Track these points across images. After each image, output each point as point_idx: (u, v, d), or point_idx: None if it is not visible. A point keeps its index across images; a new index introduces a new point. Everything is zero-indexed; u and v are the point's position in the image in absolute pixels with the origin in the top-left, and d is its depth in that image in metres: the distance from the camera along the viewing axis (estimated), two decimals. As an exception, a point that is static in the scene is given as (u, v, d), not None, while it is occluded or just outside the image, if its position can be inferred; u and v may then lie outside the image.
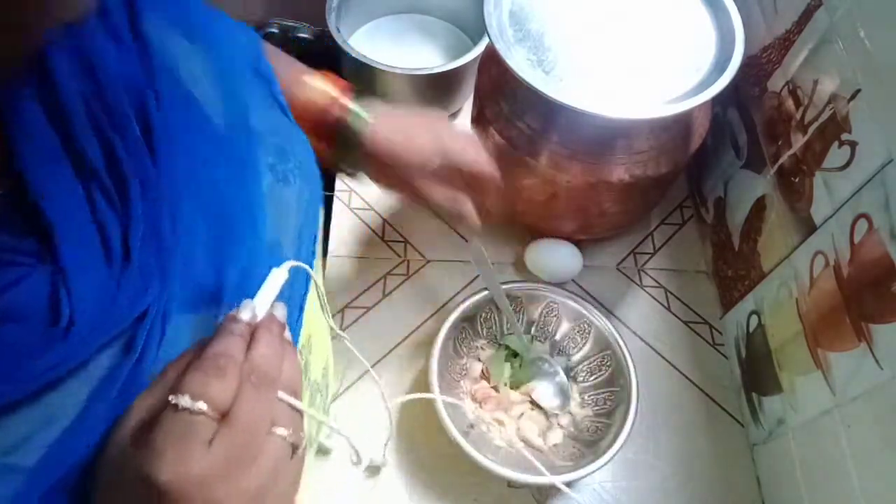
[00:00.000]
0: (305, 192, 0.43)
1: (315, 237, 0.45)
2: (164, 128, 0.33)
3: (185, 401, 0.27)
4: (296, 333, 0.42)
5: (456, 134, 0.56)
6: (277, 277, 0.35)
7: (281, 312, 0.34)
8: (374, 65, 0.76)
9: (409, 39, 0.88)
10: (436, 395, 0.60)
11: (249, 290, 0.35)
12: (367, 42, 0.87)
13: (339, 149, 0.55)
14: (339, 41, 0.77)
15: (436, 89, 0.81)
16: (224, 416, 0.28)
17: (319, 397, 0.53)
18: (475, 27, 0.85)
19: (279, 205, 0.41)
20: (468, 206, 0.57)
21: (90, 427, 0.29)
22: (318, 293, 0.53)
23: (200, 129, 0.36)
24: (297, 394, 0.32)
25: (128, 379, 0.30)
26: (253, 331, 0.31)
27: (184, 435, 0.27)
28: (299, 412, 0.32)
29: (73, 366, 0.29)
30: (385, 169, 0.55)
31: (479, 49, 0.76)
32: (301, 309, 0.43)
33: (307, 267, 0.38)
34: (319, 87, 0.54)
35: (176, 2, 0.39)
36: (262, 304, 0.33)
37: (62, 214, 0.29)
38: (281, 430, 0.30)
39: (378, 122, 0.54)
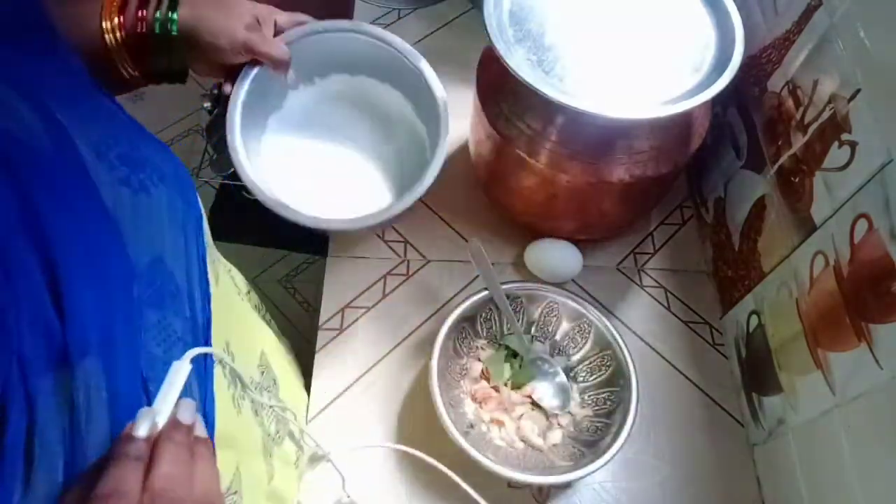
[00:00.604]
0: (177, 200, 0.40)
1: (203, 248, 0.42)
2: None
3: None
4: (210, 416, 0.38)
5: (257, 16, 0.58)
6: (178, 373, 0.31)
7: (187, 412, 0.30)
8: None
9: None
10: (436, 395, 0.60)
11: (136, 322, 0.32)
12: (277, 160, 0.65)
13: (157, 55, 0.55)
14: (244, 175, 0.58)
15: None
16: None
17: (266, 394, 0.52)
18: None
19: (142, 218, 0.37)
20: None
21: None
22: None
23: (19, 163, 0.31)
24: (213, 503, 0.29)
25: None
26: (154, 443, 0.28)
27: None
28: None
29: None
30: (200, 59, 0.57)
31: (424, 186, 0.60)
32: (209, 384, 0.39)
33: (212, 350, 0.35)
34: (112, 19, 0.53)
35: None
36: (164, 408, 0.30)
37: None
38: None
39: (183, 12, 0.55)
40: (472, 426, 0.63)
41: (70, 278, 0.30)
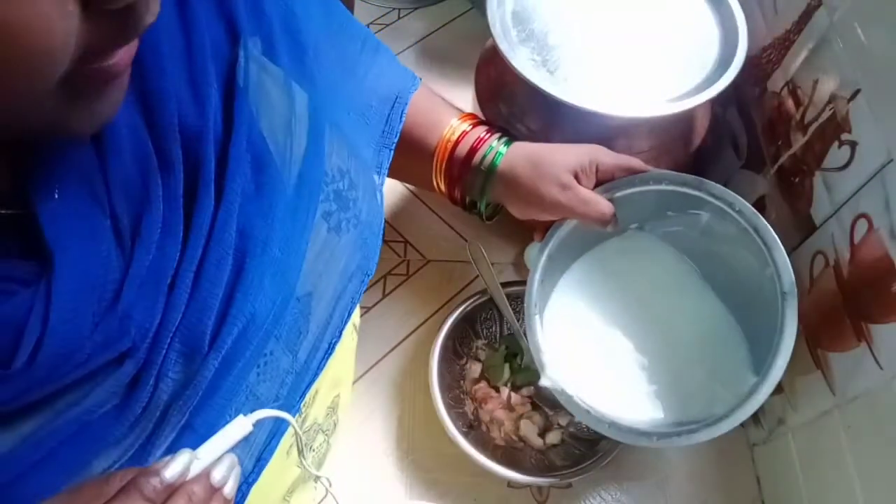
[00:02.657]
0: (357, 251, 0.41)
1: (355, 304, 0.42)
2: (210, 182, 0.31)
3: None
4: (248, 484, 0.37)
5: (582, 152, 0.56)
6: (236, 428, 0.31)
7: (222, 471, 0.29)
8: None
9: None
10: (436, 395, 0.60)
11: (249, 345, 0.32)
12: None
13: (474, 182, 0.56)
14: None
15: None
16: None
17: (322, 436, 0.51)
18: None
19: (324, 256, 0.38)
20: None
21: (20, 461, 0.27)
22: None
23: (263, 185, 0.33)
24: None
25: (97, 424, 0.28)
26: (174, 489, 0.28)
27: None
28: None
29: (20, 405, 0.27)
30: (514, 202, 0.57)
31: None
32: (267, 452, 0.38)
33: (288, 417, 0.34)
34: (460, 124, 0.56)
35: (296, 46, 0.36)
36: (204, 457, 0.29)
37: (63, 240, 0.27)
38: None
39: (511, 152, 0.55)
40: (472, 426, 0.63)
41: (242, 296, 0.32)
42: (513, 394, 0.67)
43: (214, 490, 0.29)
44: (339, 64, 0.43)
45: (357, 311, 0.56)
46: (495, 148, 0.55)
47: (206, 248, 0.31)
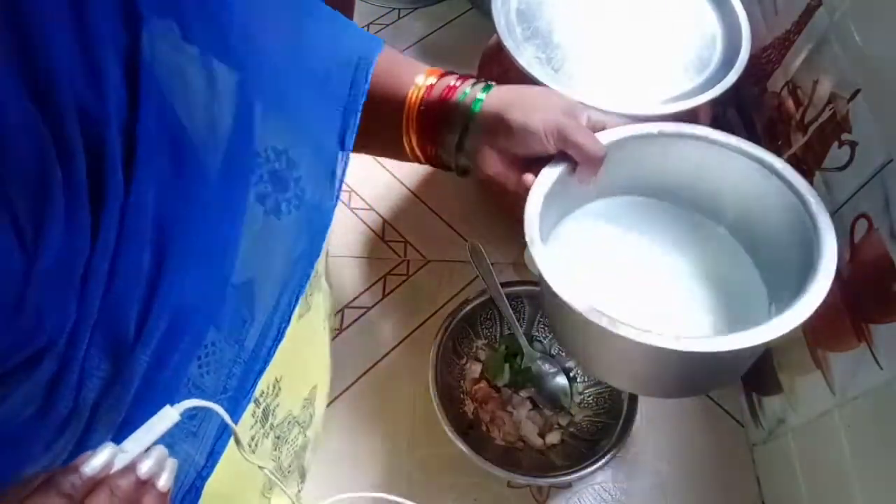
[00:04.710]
0: (301, 234, 0.39)
1: (302, 288, 0.40)
2: (118, 167, 0.28)
3: None
4: (202, 478, 0.36)
5: (570, 108, 0.50)
6: (163, 419, 0.29)
7: (150, 465, 0.28)
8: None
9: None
10: (436, 397, 0.60)
11: (183, 335, 0.31)
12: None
13: (449, 133, 0.51)
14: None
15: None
16: None
17: (297, 429, 0.49)
18: (792, 273, 0.47)
19: (263, 240, 0.36)
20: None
21: None
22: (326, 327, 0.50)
23: (182, 167, 0.32)
24: None
25: (22, 431, 0.27)
26: (94, 486, 0.26)
27: None
28: None
29: None
30: (496, 146, 0.50)
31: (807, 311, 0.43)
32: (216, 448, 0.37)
33: (216, 408, 0.32)
34: (428, 78, 0.51)
35: (218, 24, 0.34)
36: (132, 449, 0.28)
37: None
38: None
39: (492, 94, 0.50)
40: (472, 426, 0.63)
41: (167, 285, 0.30)
42: (513, 394, 0.67)
43: (142, 483, 0.28)
44: (282, 38, 0.40)
45: (330, 304, 0.55)
46: (471, 93, 0.50)
47: (120, 238, 0.29)
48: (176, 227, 0.31)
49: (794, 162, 0.61)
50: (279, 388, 0.43)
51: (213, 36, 0.33)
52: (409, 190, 0.82)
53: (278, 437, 0.46)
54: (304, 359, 0.49)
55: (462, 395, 0.66)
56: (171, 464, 0.29)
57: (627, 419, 0.60)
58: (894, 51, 0.49)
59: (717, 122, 0.73)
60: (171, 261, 0.30)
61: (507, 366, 0.68)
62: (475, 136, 0.50)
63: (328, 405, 0.67)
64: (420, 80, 0.51)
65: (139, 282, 0.30)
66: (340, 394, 0.68)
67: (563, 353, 0.69)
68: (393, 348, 0.71)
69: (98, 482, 0.26)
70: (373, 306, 0.74)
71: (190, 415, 0.33)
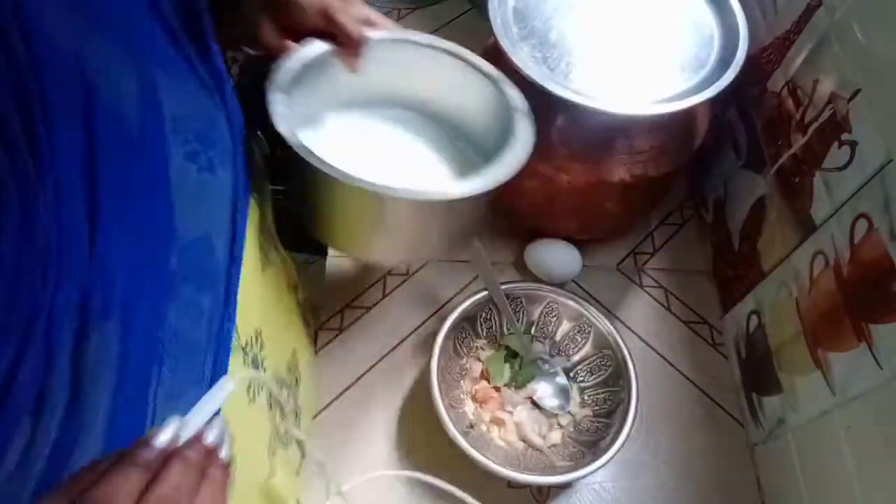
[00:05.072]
0: (237, 184, 0.41)
1: (244, 231, 0.42)
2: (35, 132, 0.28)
3: None
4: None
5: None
6: (221, 390, 0.31)
7: (214, 433, 0.29)
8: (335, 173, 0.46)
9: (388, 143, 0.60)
10: (436, 395, 0.60)
11: (164, 295, 0.32)
12: (324, 137, 0.57)
13: (230, 15, 0.50)
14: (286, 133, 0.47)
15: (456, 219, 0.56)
16: None
17: (286, 391, 0.52)
18: (487, 139, 0.58)
19: (205, 195, 0.38)
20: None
21: None
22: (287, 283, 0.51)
23: (91, 123, 0.31)
24: None
25: None
26: (168, 456, 0.27)
27: None
28: None
29: None
30: (272, 17, 0.51)
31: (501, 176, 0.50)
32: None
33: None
34: None
35: None
36: (194, 422, 0.29)
37: None
38: None
39: None
40: (472, 426, 0.63)
41: (107, 238, 0.30)
42: (513, 394, 0.67)
43: (209, 452, 0.29)
44: None
45: (291, 276, 0.58)
46: None
47: (56, 194, 0.28)
48: (105, 188, 0.30)
49: (795, 162, 0.61)
50: (262, 342, 0.45)
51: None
52: (409, 190, 0.82)
53: (270, 395, 0.48)
54: (276, 318, 0.50)
55: (462, 395, 0.66)
56: (230, 435, 0.30)
57: (627, 419, 0.60)
58: (894, 51, 0.49)
59: (717, 122, 0.73)
60: (103, 214, 0.30)
61: (507, 366, 0.68)
62: (251, 14, 0.51)
63: (328, 405, 0.67)
64: None
65: (81, 248, 0.29)
66: (341, 394, 0.68)
67: (561, 354, 0.69)
68: (393, 348, 0.71)
69: (170, 454, 0.27)
70: (373, 306, 0.74)
71: (188, 364, 0.35)
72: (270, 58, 0.52)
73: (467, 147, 0.61)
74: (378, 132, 0.60)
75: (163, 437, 0.28)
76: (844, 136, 0.54)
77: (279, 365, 0.50)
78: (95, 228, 0.30)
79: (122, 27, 0.34)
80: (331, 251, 0.77)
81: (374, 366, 0.70)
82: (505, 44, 0.58)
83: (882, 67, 0.50)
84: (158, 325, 0.34)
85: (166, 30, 0.38)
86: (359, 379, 0.69)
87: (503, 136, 0.54)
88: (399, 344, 0.71)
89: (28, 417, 0.28)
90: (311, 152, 0.45)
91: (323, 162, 0.45)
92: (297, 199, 0.55)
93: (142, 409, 0.33)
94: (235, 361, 0.41)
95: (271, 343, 0.47)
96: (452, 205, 0.48)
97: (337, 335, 0.71)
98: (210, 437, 0.29)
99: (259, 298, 0.42)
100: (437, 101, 0.61)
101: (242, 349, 0.42)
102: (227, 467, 0.30)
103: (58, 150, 0.29)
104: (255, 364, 0.45)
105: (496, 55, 0.58)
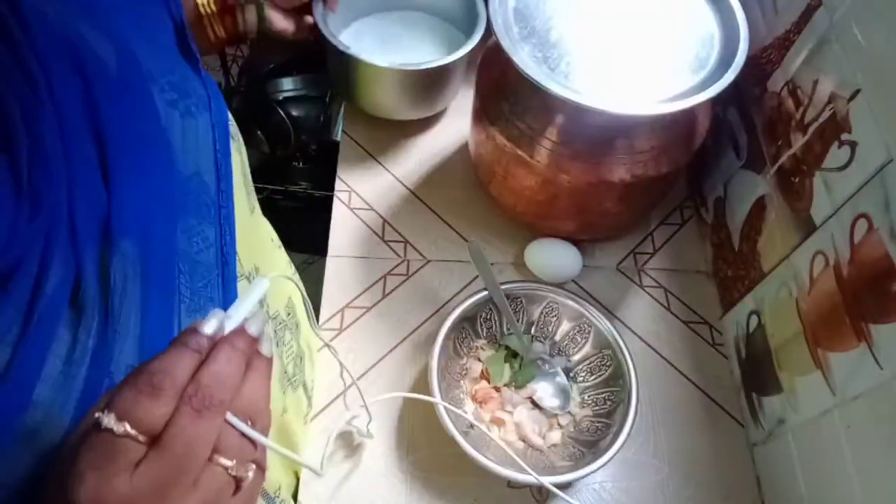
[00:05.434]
0: (216, 128, 0.44)
1: (229, 170, 0.45)
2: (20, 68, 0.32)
3: (108, 420, 0.25)
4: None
5: None
6: (257, 287, 0.33)
7: (256, 325, 0.31)
8: (361, 58, 0.73)
9: (399, 36, 0.85)
10: (436, 397, 0.60)
11: (159, 215, 0.36)
12: (355, 38, 0.84)
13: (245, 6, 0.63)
14: (327, 34, 0.74)
15: (427, 85, 0.79)
16: (155, 440, 0.26)
17: (289, 333, 0.55)
18: (467, 23, 0.82)
19: (190, 137, 0.41)
20: None
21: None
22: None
23: (84, 69, 0.36)
24: (255, 419, 0.30)
25: (14, 317, 0.29)
26: (216, 343, 0.29)
27: (106, 457, 0.25)
28: (253, 441, 0.30)
29: None
30: (274, 4, 0.64)
31: (470, 45, 0.75)
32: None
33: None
34: None
35: None
36: (235, 315, 0.31)
37: None
38: (223, 461, 0.28)
39: None
40: (472, 426, 0.63)
41: (117, 167, 0.34)
42: (513, 394, 0.67)
43: (253, 342, 0.31)
44: None
45: (275, 234, 0.61)
46: None
47: (60, 122, 0.33)
48: (106, 122, 0.35)
49: (795, 162, 0.61)
50: (261, 275, 0.48)
51: None
52: (409, 190, 0.82)
53: (275, 333, 0.50)
54: (269, 260, 0.54)
55: (462, 395, 0.66)
56: (269, 332, 0.33)
57: (627, 419, 0.60)
58: (894, 51, 0.49)
59: (717, 122, 0.73)
60: (114, 150, 0.34)
61: (506, 366, 0.68)
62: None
63: (328, 404, 0.67)
64: None
65: (93, 172, 0.33)
66: (341, 393, 0.68)
67: (561, 354, 0.69)
68: (393, 348, 0.71)
69: (217, 341, 0.29)
70: (373, 306, 0.74)
71: (202, 284, 0.38)
72: (273, 52, 0.57)
73: (453, 29, 0.85)
74: (388, 28, 0.85)
75: (209, 326, 0.29)
76: (844, 136, 0.54)
77: (279, 306, 0.52)
78: (105, 157, 0.34)
79: None
80: (331, 251, 0.77)
81: (373, 366, 0.70)
82: (505, 44, 0.58)
83: (882, 67, 0.50)
84: (173, 247, 0.37)
85: None
86: (359, 379, 0.69)
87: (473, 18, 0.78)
88: (399, 344, 0.71)
89: (65, 329, 0.31)
90: (344, 45, 0.73)
91: (345, 46, 0.73)
92: (338, 78, 0.81)
93: (168, 320, 0.35)
94: (242, 287, 0.43)
95: (271, 287, 0.51)
96: (427, 72, 0.74)
97: (337, 335, 0.71)
98: (252, 329, 0.31)
99: (252, 236, 0.46)
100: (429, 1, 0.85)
101: (246, 277, 0.45)
102: (269, 361, 0.32)
103: (55, 85, 0.33)
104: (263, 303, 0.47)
105: (497, 56, 0.58)
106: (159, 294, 0.35)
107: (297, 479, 0.61)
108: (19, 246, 0.29)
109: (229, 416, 0.28)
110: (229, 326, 0.30)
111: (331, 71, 0.82)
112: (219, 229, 0.42)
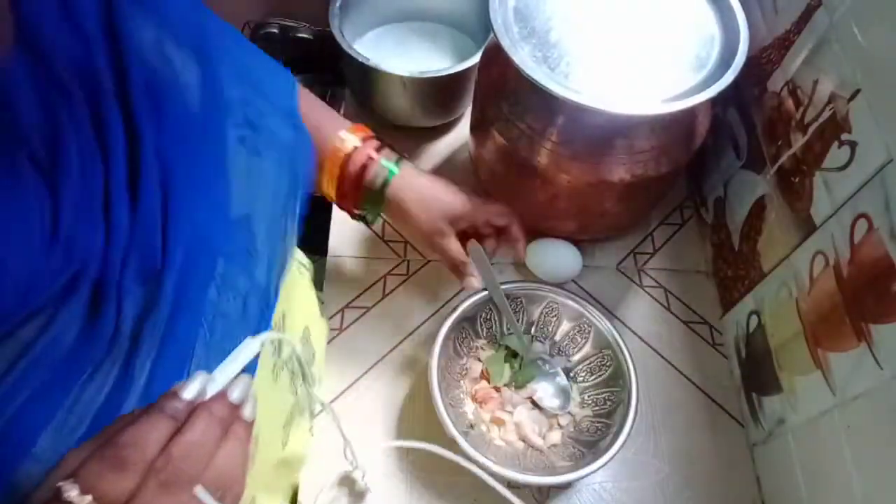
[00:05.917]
0: (282, 172, 0.43)
1: (294, 223, 0.45)
2: (113, 105, 0.32)
3: (71, 493, 0.25)
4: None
5: (466, 201, 0.62)
6: (246, 349, 0.32)
7: (239, 390, 0.31)
8: (379, 68, 0.75)
9: (413, 44, 0.87)
10: (436, 395, 0.60)
11: (198, 263, 0.35)
12: (370, 47, 0.86)
13: (363, 198, 0.59)
14: (344, 45, 0.76)
15: (441, 93, 0.80)
16: None
17: (306, 366, 0.54)
18: (479, 31, 0.84)
19: (252, 178, 0.40)
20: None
21: (11, 398, 0.28)
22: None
23: (164, 106, 0.35)
24: (228, 488, 0.29)
25: (72, 352, 0.30)
26: (193, 409, 0.29)
27: None
28: None
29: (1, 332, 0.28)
30: (398, 220, 0.61)
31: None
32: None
33: (283, 336, 0.39)
34: (350, 138, 0.58)
35: (187, 23, 0.39)
36: (219, 379, 0.30)
37: None
38: None
39: (402, 174, 0.59)
40: (472, 426, 0.63)
41: (176, 209, 0.34)
42: (513, 394, 0.67)
43: (234, 408, 0.30)
44: (225, 40, 0.44)
45: (300, 256, 0.61)
46: (385, 168, 0.58)
47: (134, 169, 0.32)
48: (172, 161, 0.34)
49: (795, 162, 0.61)
50: (285, 324, 0.47)
51: (163, 10, 0.37)
52: (409, 190, 0.82)
53: (292, 372, 0.50)
54: (293, 298, 0.53)
55: (462, 395, 0.66)
56: (253, 394, 0.31)
57: (627, 419, 0.60)
58: (894, 51, 0.49)
59: (717, 122, 0.73)
60: (174, 190, 0.34)
61: (506, 366, 0.68)
62: (384, 210, 0.61)
63: (329, 404, 0.67)
64: (344, 137, 0.58)
65: (156, 209, 0.33)
66: (341, 393, 0.68)
67: (561, 354, 0.69)
68: (393, 348, 0.71)
69: (195, 407, 0.29)
70: (373, 306, 0.74)
71: (219, 337, 0.37)
72: (273, 53, 0.56)
73: (465, 38, 0.88)
74: (402, 37, 0.88)
75: (190, 391, 0.29)
76: (844, 136, 0.54)
77: (295, 341, 0.52)
78: (168, 195, 0.33)
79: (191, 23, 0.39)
80: (331, 251, 0.77)
81: (373, 366, 0.70)
82: (505, 44, 0.58)
83: (882, 67, 0.50)
84: (203, 294, 0.36)
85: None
86: (359, 378, 0.69)
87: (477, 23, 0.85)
88: (399, 344, 0.71)
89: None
90: (364, 56, 0.75)
91: (364, 57, 0.75)
92: (355, 88, 0.84)
93: (179, 371, 0.35)
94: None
95: (290, 324, 0.50)
96: (435, 80, 0.76)
97: (337, 335, 0.71)
98: (235, 395, 0.30)
99: (284, 282, 0.44)
100: (439, 10, 0.88)
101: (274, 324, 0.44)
102: (249, 425, 0.31)
103: (139, 125, 0.33)
104: (278, 347, 0.46)
105: (497, 55, 0.58)
106: (177, 341, 0.34)
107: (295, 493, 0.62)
108: (94, 270, 0.30)
109: (198, 490, 0.27)
110: (212, 390, 0.30)
111: (349, 81, 0.84)
112: (260, 285, 0.41)
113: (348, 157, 0.58)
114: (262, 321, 0.41)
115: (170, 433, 0.27)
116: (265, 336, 0.33)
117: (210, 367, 0.35)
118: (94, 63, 0.32)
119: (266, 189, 0.41)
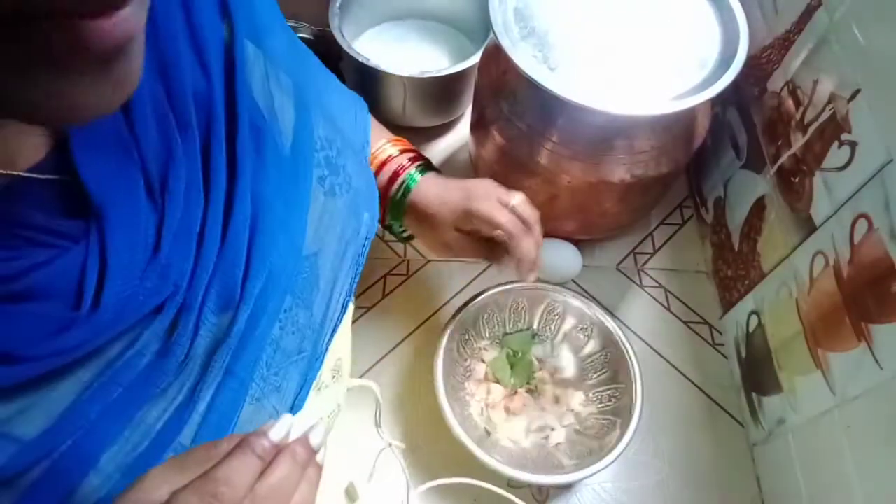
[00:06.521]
0: (352, 216, 0.44)
1: (359, 267, 0.46)
2: (222, 140, 0.33)
3: None
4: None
5: (486, 194, 0.58)
6: (328, 404, 0.35)
7: (317, 438, 0.32)
8: (379, 68, 0.75)
9: (413, 44, 0.87)
10: (441, 395, 0.60)
11: (270, 298, 0.36)
12: (370, 46, 0.86)
13: (389, 205, 0.60)
14: (344, 45, 0.76)
15: (441, 93, 0.81)
16: None
17: (333, 399, 0.54)
18: (478, 31, 0.84)
19: (325, 218, 0.41)
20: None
21: (87, 412, 0.29)
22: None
23: (263, 147, 0.37)
24: None
25: (145, 372, 0.31)
26: (278, 451, 0.30)
27: None
28: None
29: (88, 350, 0.29)
30: (421, 223, 0.60)
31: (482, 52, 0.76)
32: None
33: (371, 384, 0.41)
34: (388, 148, 0.59)
35: (276, 33, 0.40)
36: (301, 423, 0.32)
37: (109, 199, 0.29)
38: None
39: (422, 180, 0.59)
40: (474, 426, 0.63)
41: (260, 246, 0.35)
42: (515, 394, 0.67)
43: (313, 453, 0.31)
44: (309, 70, 0.46)
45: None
46: (409, 177, 0.59)
47: (229, 204, 0.34)
48: (262, 200, 0.36)
49: (795, 162, 0.61)
50: (342, 369, 0.49)
51: (274, 41, 0.39)
52: (410, 190, 0.82)
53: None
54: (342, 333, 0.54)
55: (466, 396, 0.66)
56: (326, 442, 0.33)
57: (633, 417, 0.60)
58: (894, 51, 0.49)
59: (717, 122, 0.73)
60: (261, 228, 0.35)
61: (510, 366, 0.68)
62: (407, 217, 0.60)
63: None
64: (384, 146, 0.60)
65: (242, 246, 0.34)
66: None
67: (564, 352, 0.69)
68: (393, 348, 0.71)
69: (281, 448, 0.30)
70: (373, 306, 0.74)
71: (274, 371, 0.38)
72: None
73: (462, 37, 0.88)
74: (401, 36, 0.88)
75: (278, 432, 0.30)
76: (844, 136, 0.54)
77: (325, 374, 0.52)
78: (254, 234, 0.35)
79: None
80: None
81: (374, 365, 0.70)
82: (505, 44, 0.58)
83: (882, 67, 0.50)
84: (269, 328, 0.37)
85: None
86: (360, 378, 0.69)
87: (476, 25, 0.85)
88: (399, 344, 0.71)
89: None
90: (363, 56, 0.75)
91: (364, 57, 0.75)
92: (355, 88, 0.73)
93: (235, 406, 0.36)
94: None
95: (326, 357, 0.50)
96: (435, 80, 0.77)
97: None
98: (316, 440, 0.32)
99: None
100: (439, 10, 0.88)
101: (330, 369, 0.46)
102: (320, 469, 0.32)
103: (240, 166, 0.34)
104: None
105: (497, 55, 0.58)
106: (239, 373, 0.35)
107: None
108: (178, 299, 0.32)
109: None
110: (294, 434, 0.31)
111: (348, 81, 0.84)
112: (318, 323, 0.41)
113: (382, 164, 0.59)
114: (314, 359, 0.42)
115: (258, 471, 0.29)
116: (350, 382, 0.35)
117: (262, 402, 0.37)
118: (212, 96, 0.33)
119: (335, 229, 0.43)
